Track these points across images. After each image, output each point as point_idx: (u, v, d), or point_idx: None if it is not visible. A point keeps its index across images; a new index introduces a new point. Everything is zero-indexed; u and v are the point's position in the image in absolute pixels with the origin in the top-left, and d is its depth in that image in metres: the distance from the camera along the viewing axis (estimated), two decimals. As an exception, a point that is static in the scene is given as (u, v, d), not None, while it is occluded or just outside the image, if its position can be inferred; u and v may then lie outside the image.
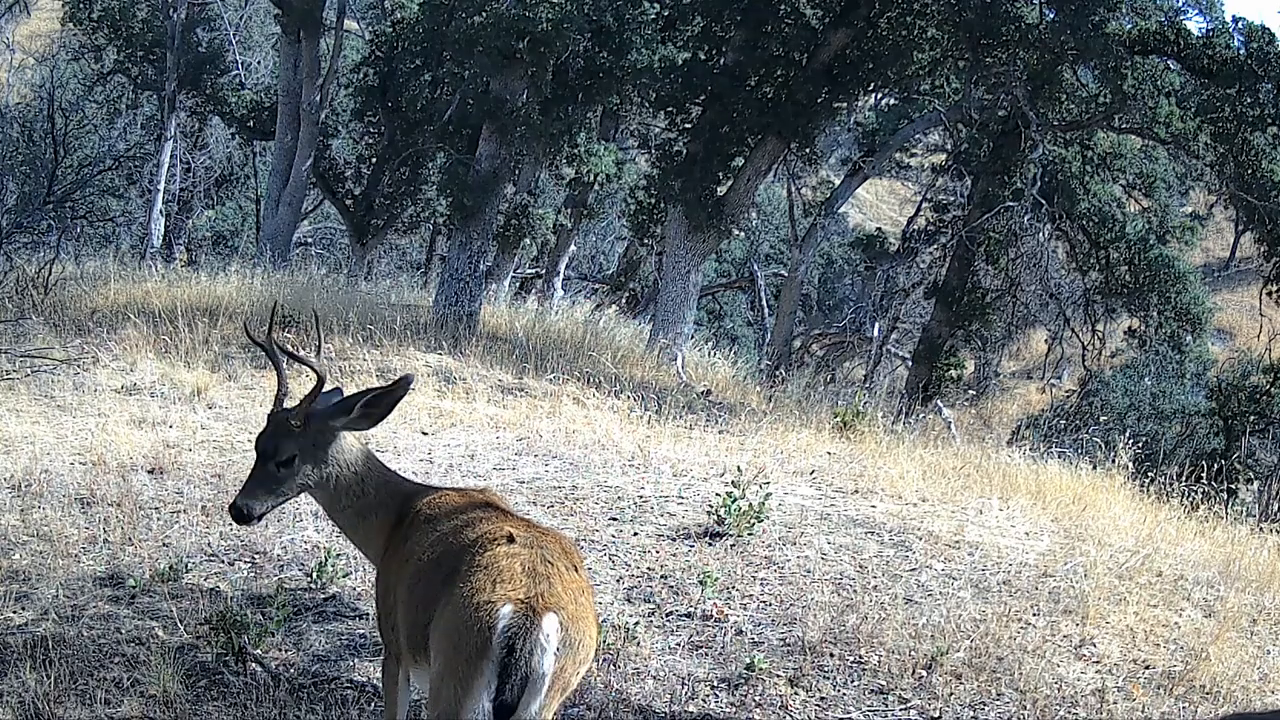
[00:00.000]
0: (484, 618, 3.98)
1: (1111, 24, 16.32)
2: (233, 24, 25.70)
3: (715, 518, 7.51)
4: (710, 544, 7.33)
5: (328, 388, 5.08)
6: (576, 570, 4.31)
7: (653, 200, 17.69)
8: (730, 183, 16.73)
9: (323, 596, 6.56)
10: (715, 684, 5.82)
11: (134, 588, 6.47)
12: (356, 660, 5.98)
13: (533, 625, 3.96)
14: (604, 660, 5.90)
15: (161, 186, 23.29)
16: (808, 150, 17.28)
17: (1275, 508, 12.74)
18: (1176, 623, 6.76)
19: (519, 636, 3.94)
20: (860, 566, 7.17)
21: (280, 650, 6.01)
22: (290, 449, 4.86)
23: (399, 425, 10.02)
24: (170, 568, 6.63)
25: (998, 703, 5.75)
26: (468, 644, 3.98)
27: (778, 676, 5.84)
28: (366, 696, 5.64)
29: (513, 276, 21.44)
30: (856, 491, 8.79)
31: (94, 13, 23.12)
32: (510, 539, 4.26)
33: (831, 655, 6.05)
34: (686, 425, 10.83)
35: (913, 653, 6.06)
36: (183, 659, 5.85)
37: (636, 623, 6.19)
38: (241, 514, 4.83)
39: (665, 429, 10.45)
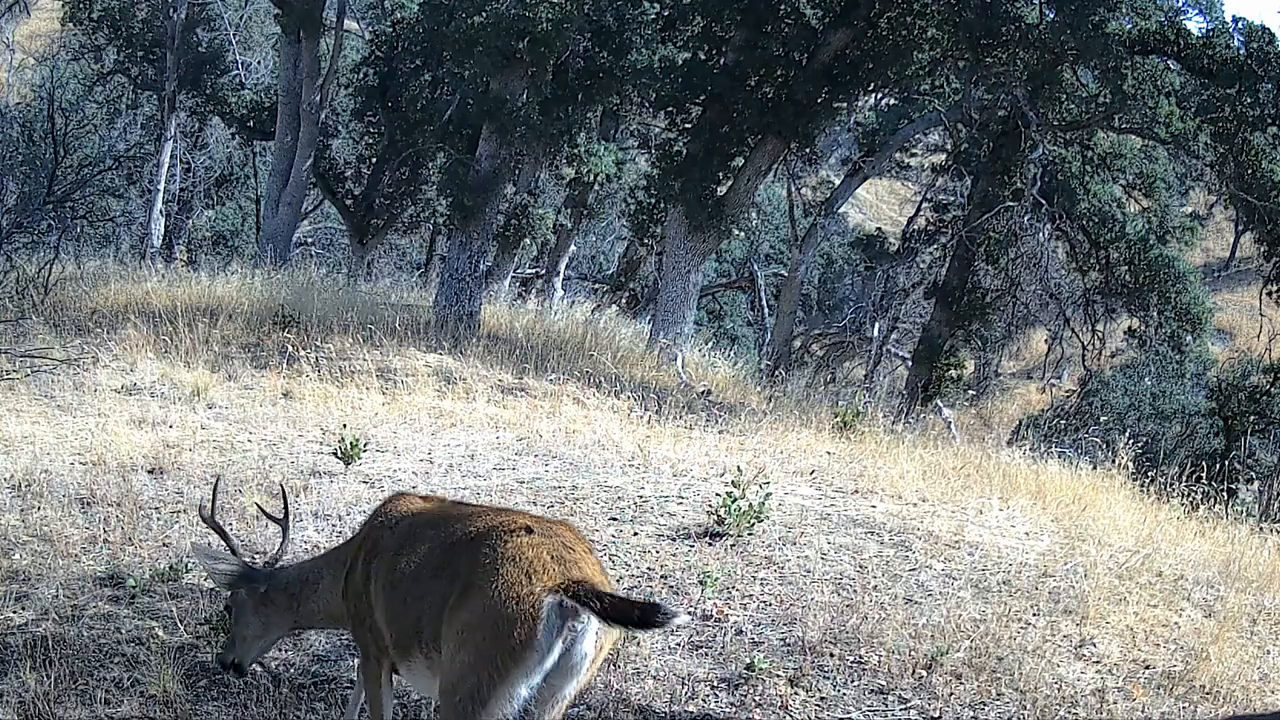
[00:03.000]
0: (527, 609, 4.07)
1: (1111, 24, 16.30)
2: (233, 24, 25.69)
3: (715, 518, 7.51)
4: (710, 544, 7.33)
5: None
6: (591, 553, 4.46)
7: (653, 200, 17.68)
8: (730, 183, 16.72)
9: (323, 596, 6.56)
10: (715, 684, 5.82)
11: (134, 588, 6.47)
12: (356, 660, 5.97)
13: (576, 612, 4.08)
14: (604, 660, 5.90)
15: (161, 186, 23.28)
16: (808, 150, 17.27)
17: (1275, 508, 12.73)
18: (1176, 623, 6.76)
19: (564, 624, 4.07)
20: (860, 566, 7.17)
21: (280, 650, 6.01)
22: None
23: (399, 425, 10.03)
24: (170, 568, 6.63)
25: (998, 703, 5.75)
26: (510, 635, 4.07)
27: (778, 676, 5.84)
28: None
29: (513, 276, 21.44)
30: (856, 491, 8.79)
31: (94, 13, 23.12)
32: (528, 530, 4.37)
33: (831, 655, 6.05)
34: (686, 425, 10.83)
35: (913, 653, 6.06)
36: (183, 659, 5.85)
37: (636, 623, 6.18)
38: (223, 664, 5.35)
39: (665, 429, 10.45)
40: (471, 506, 5.01)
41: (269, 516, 5.73)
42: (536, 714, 4.14)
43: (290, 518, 5.65)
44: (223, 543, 5.41)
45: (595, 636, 4.12)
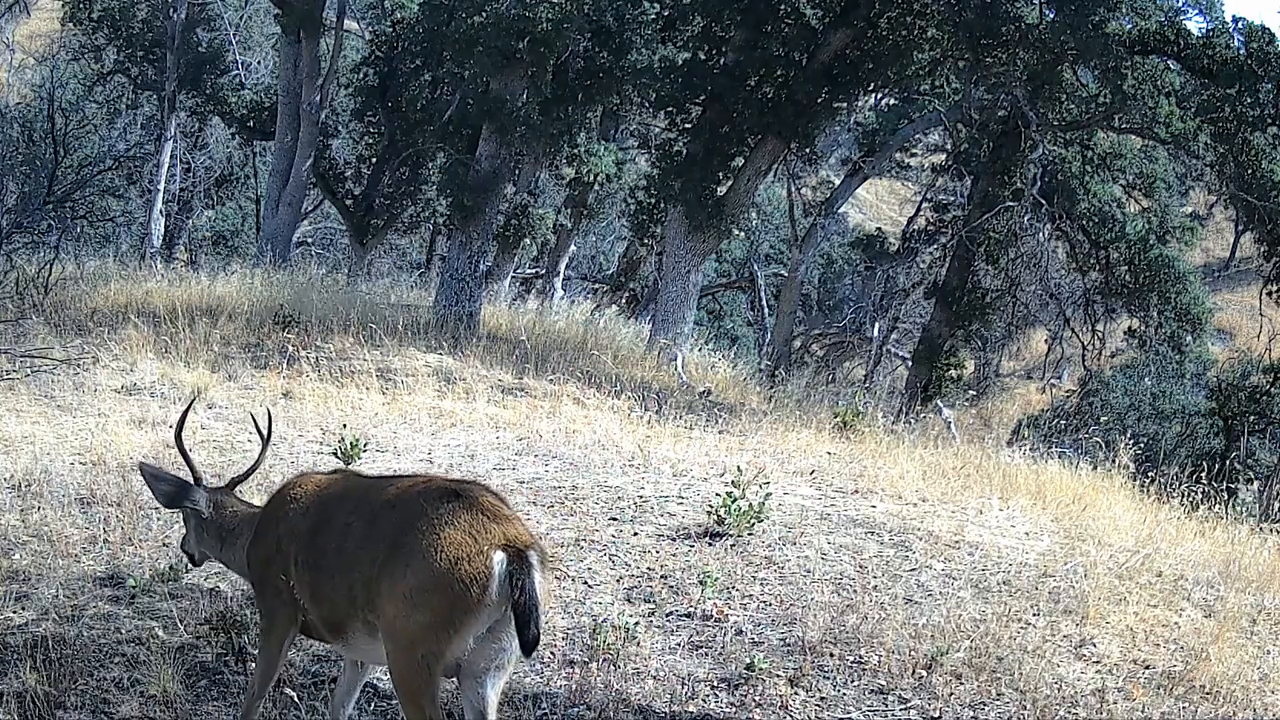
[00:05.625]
0: (479, 568, 4.41)
1: (1111, 24, 16.30)
2: (233, 24, 25.67)
3: (715, 518, 7.51)
4: (710, 544, 7.33)
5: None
6: (506, 505, 4.78)
7: (653, 200, 17.68)
8: (730, 183, 16.73)
9: (323, 596, 6.55)
10: (715, 684, 5.82)
11: (134, 588, 6.47)
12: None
13: (523, 562, 4.44)
14: (604, 660, 5.90)
15: (161, 186, 23.27)
16: (808, 150, 17.27)
17: (1275, 508, 12.73)
18: (1176, 623, 6.76)
19: (519, 575, 4.40)
20: (860, 566, 7.17)
21: (280, 650, 6.00)
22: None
23: (399, 425, 10.03)
24: (170, 568, 6.63)
25: (998, 703, 5.75)
26: (465, 595, 4.40)
27: (778, 676, 5.84)
28: (366, 696, 5.64)
29: (513, 276, 21.43)
30: (856, 491, 8.79)
31: (94, 13, 23.12)
32: (456, 494, 4.64)
33: (831, 655, 6.05)
34: (686, 425, 10.83)
35: (913, 653, 6.06)
36: (183, 659, 5.84)
37: (636, 623, 6.19)
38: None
39: (665, 429, 10.45)
40: (374, 476, 5.39)
41: (257, 430, 5.84)
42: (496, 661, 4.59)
43: (270, 438, 5.76)
44: (185, 465, 5.53)
45: (539, 584, 4.51)
